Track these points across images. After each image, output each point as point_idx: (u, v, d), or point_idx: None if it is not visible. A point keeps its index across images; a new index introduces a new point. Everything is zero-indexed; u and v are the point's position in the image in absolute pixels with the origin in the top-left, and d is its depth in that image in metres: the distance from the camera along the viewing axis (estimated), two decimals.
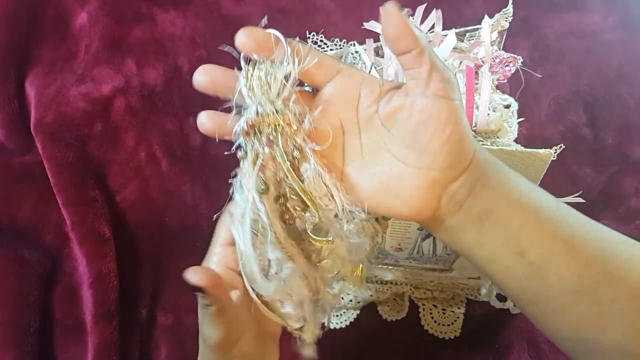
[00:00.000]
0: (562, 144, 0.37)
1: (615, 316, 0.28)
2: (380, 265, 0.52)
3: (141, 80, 0.60)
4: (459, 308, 0.55)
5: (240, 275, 0.29)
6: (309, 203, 0.28)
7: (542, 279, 0.28)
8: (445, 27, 0.43)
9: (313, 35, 0.63)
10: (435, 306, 0.55)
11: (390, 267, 0.52)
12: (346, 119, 0.29)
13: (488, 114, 0.42)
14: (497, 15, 0.44)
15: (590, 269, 0.28)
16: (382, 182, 0.28)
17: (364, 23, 0.43)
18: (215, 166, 0.59)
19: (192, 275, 0.27)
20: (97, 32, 0.61)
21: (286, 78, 0.27)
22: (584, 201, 0.40)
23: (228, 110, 0.29)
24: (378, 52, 0.45)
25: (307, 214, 0.29)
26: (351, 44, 0.48)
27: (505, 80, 0.44)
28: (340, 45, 0.62)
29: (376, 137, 0.29)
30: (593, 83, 0.63)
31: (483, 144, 0.39)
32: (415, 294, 0.55)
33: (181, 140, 0.60)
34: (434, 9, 0.44)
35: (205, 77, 0.28)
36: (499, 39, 0.45)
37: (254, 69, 0.27)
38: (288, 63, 0.27)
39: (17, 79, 0.58)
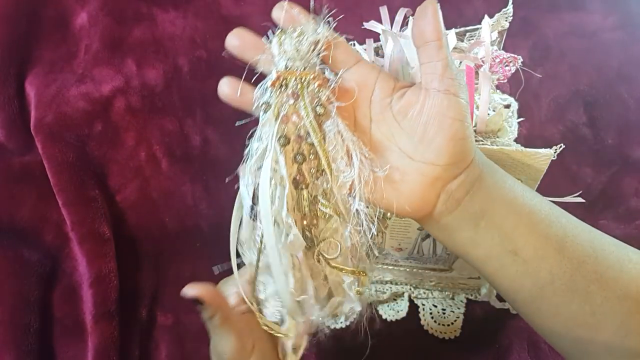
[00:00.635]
0: (562, 144, 0.37)
1: (606, 316, 0.28)
2: (380, 265, 0.52)
3: (141, 80, 0.60)
4: (459, 308, 0.55)
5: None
6: (325, 164, 0.28)
7: (536, 277, 0.29)
8: (446, 27, 0.43)
9: None
10: (435, 306, 0.55)
11: (390, 267, 0.52)
12: (359, 109, 0.30)
13: (488, 114, 0.42)
14: (497, 15, 0.44)
15: (582, 268, 0.29)
16: (387, 175, 0.29)
17: (364, 23, 0.43)
18: (215, 166, 0.59)
19: (189, 290, 0.29)
20: (97, 32, 0.61)
21: (314, 46, 0.29)
22: (584, 201, 0.40)
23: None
24: (378, 52, 0.45)
25: (320, 181, 0.29)
26: (351, 44, 0.48)
27: (505, 80, 0.44)
28: None
29: (385, 129, 0.30)
30: (593, 83, 0.63)
31: (483, 144, 0.39)
32: (415, 294, 0.55)
33: (181, 140, 0.60)
34: None
35: (237, 40, 0.30)
36: (499, 39, 0.45)
37: (285, 32, 0.29)
38: (318, 32, 0.28)
39: (17, 79, 0.58)
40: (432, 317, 0.55)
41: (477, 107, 0.41)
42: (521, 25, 0.63)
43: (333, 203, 0.29)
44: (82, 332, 0.52)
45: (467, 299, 0.55)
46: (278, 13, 0.29)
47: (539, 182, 0.39)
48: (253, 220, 0.30)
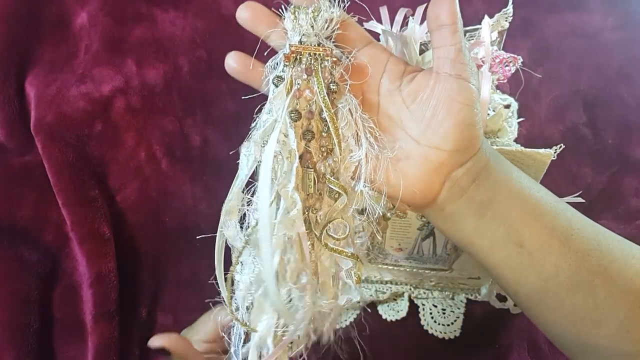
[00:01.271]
0: (562, 144, 0.37)
1: (609, 310, 0.28)
2: (380, 265, 0.52)
3: (141, 80, 0.60)
4: (459, 308, 0.55)
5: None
6: (336, 140, 0.28)
7: (540, 270, 0.29)
8: None
9: None
10: (435, 306, 0.55)
11: (390, 267, 0.52)
12: (368, 90, 0.30)
13: (488, 114, 0.42)
14: (497, 15, 0.44)
15: (587, 262, 0.29)
16: (392, 159, 0.29)
17: (364, 23, 0.43)
18: (215, 166, 0.59)
19: (154, 341, 0.35)
20: (97, 32, 0.61)
21: (329, 23, 0.28)
22: (584, 201, 0.40)
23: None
24: None
25: (328, 161, 0.29)
26: None
27: (505, 80, 0.44)
28: None
29: (393, 112, 0.30)
30: (593, 83, 0.63)
31: None
32: (415, 294, 0.55)
33: (181, 140, 0.60)
34: None
35: (247, 12, 0.29)
36: (499, 39, 0.45)
37: (300, 8, 0.28)
38: (332, 10, 0.28)
39: (17, 79, 0.58)
40: (432, 317, 0.55)
41: None
42: (521, 25, 0.63)
43: (342, 181, 0.29)
44: (82, 332, 0.52)
45: (467, 299, 0.55)
46: None
47: (539, 182, 0.39)
48: (246, 194, 0.30)
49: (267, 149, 0.28)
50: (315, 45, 0.28)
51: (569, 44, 0.64)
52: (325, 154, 0.29)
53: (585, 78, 0.63)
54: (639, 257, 0.29)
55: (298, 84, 0.28)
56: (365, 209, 0.29)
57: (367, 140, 0.29)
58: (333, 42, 0.29)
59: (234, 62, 0.30)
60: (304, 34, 0.28)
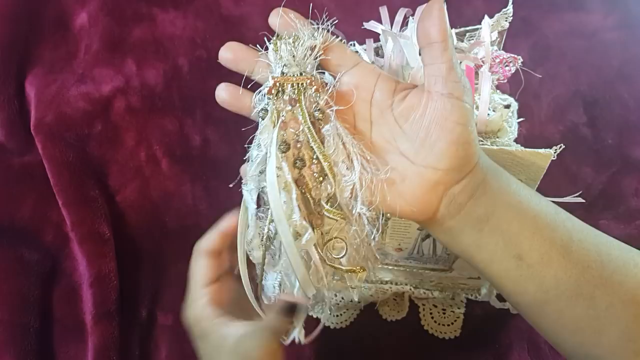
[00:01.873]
0: (562, 144, 0.37)
1: (610, 320, 0.28)
2: (380, 265, 0.52)
3: (141, 80, 0.60)
4: (459, 308, 0.55)
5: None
6: (326, 168, 0.28)
7: (540, 282, 0.29)
8: None
9: None
10: (435, 306, 0.55)
11: (390, 267, 0.52)
12: (359, 112, 0.30)
13: (488, 114, 0.42)
14: (497, 15, 0.44)
15: (587, 273, 0.28)
16: (388, 181, 0.29)
17: (364, 23, 0.43)
18: (215, 166, 0.59)
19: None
20: (97, 32, 0.61)
21: (311, 50, 0.29)
22: (584, 201, 0.40)
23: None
24: (378, 52, 0.45)
25: (323, 185, 0.29)
26: (351, 44, 0.48)
27: (505, 80, 0.44)
28: None
29: (386, 132, 0.29)
30: (593, 83, 0.63)
31: (483, 144, 0.39)
32: (415, 294, 0.54)
33: (181, 140, 0.60)
34: None
35: (229, 53, 0.30)
36: (499, 39, 0.45)
37: (281, 39, 0.29)
38: (314, 37, 0.29)
39: (17, 79, 0.58)
40: (432, 317, 0.55)
41: (477, 107, 0.41)
42: (521, 25, 0.63)
43: (337, 207, 0.29)
44: (82, 332, 0.52)
45: (467, 299, 0.55)
46: (274, 20, 0.29)
47: (539, 182, 0.39)
48: (259, 220, 0.31)
49: (268, 185, 0.28)
50: (297, 75, 0.28)
51: (568, 43, 0.64)
52: (320, 179, 0.29)
53: (585, 78, 0.63)
54: None
55: (283, 115, 0.29)
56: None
57: (359, 163, 0.28)
58: (319, 68, 0.29)
59: (225, 93, 0.31)
60: (285, 65, 0.28)
